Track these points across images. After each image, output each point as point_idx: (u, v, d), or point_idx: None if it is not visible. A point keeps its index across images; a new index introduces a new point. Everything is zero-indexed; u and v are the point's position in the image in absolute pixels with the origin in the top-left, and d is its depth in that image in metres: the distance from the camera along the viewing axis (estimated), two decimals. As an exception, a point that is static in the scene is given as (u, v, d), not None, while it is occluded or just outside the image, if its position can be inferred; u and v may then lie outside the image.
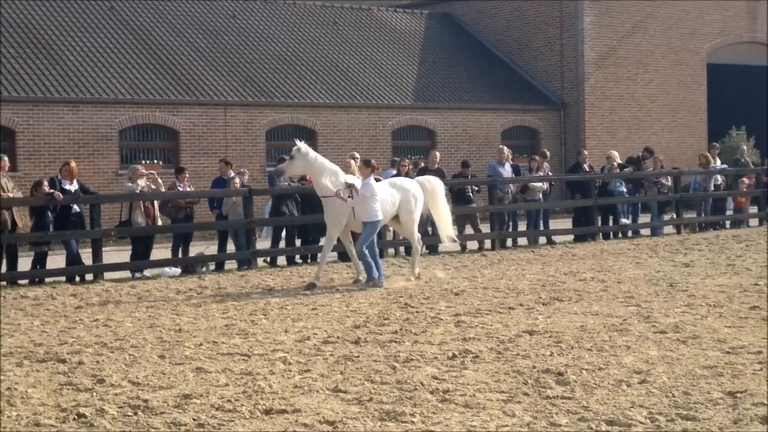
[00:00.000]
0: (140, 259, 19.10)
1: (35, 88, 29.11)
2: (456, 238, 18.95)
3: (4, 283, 17.44)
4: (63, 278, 18.05)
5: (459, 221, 23.11)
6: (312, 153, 16.80)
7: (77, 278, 18.12)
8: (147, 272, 18.97)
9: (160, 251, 20.40)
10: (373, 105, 35.55)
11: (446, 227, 17.90)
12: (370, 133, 35.29)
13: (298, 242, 21.16)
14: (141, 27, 33.93)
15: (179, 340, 11.74)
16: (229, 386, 9.18)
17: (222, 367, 10.01)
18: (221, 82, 32.94)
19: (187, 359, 10.52)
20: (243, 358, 10.54)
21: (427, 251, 21.43)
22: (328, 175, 16.52)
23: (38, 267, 18.22)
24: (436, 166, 23.23)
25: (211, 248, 20.86)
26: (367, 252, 16.25)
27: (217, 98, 32.17)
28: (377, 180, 17.67)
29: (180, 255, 19.98)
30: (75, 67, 30.60)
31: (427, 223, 19.85)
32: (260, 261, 20.27)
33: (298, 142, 16.80)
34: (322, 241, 21.02)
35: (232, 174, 20.95)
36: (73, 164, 18.66)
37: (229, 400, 8.57)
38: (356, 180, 16.64)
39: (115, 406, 8.48)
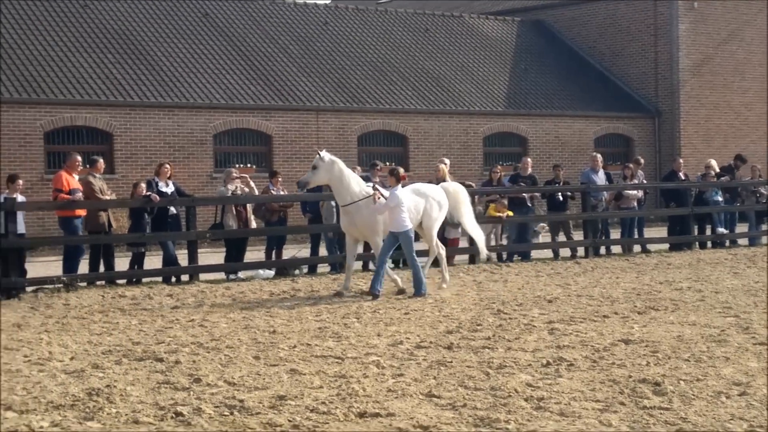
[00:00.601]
0: (234, 261, 19.33)
1: (132, 93, 29.63)
2: (488, 250, 18.64)
3: (102, 282, 17.78)
4: (159, 278, 18.32)
5: (553, 228, 22.98)
6: (335, 161, 16.25)
7: (173, 279, 18.39)
8: (241, 274, 19.17)
9: (254, 253, 20.60)
10: (464, 111, 35.50)
11: (479, 237, 17.53)
12: (461, 140, 35.23)
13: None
14: (235, 34, 34.35)
15: (273, 341, 11.83)
16: (323, 388, 9.22)
17: (316, 370, 10.06)
18: (314, 87, 33.19)
19: (281, 361, 10.59)
20: (336, 360, 10.58)
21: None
22: (353, 183, 16.19)
23: (136, 267, 18.53)
24: (529, 172, 23.09)
25: (304, 251, 20.99)
26: (413, 262, 16.02)
27: (310, 104, 32.41)
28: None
29: (273, 257, 20.15)
30: (171, 72, 31.09)
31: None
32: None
33: (320, 152, 16.39)
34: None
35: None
36: (167, 165, 18.95)
37: (323, 402, 8.61)
38: (383, 189, 16.38)
39: (212, 405, 8.57)
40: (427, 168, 32.21)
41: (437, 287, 16.73)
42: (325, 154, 16.26)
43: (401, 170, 16.75)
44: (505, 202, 21.84)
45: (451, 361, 10.35)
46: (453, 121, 35.20)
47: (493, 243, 22.34)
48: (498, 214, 21.56)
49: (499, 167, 23.52)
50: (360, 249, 17.21)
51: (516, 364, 10.19)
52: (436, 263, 17.48)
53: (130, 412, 8.38)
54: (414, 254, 16.12)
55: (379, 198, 15.90)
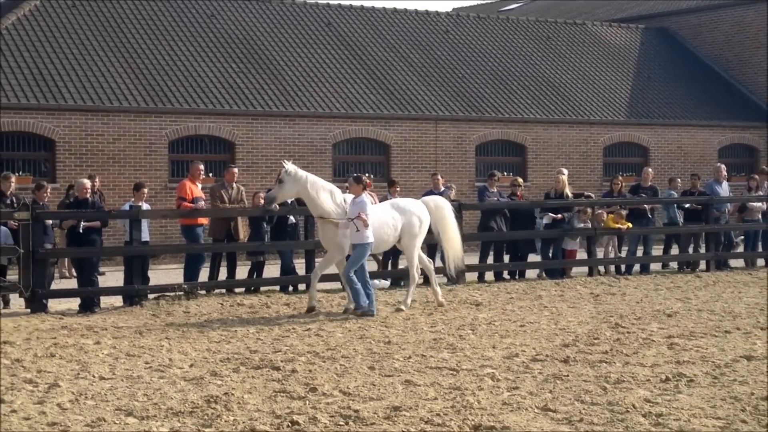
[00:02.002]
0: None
1: (254, 102, 30.08)
2: (463, 266, 17.47)
3: (221, 290, 18.06)
4: (277, 287, 18.53)
5: (684, 240, 22.73)
6: (302, 173, 15.45)
7: (291, 288, 18.57)
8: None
9: (370, 264, 20.65)
10: (584, 121, 35.11)
11: (455, 253, 16.65)
12: (581, 149, 34.85)
13: (506, 258, 21.06)
14: (357, 42, 34.61)
15: (388, 352, 11.87)
16: (437, 400, 9.21)
17: (431, 381, 10.06)
18: (433, 96, 33.22)
19: (396, 371, 10.62)
20: (451, 372, 10.57)
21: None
22: (325, 195, 15.45)
23: (255, 276, 18.78)
24: (649, 183, 22.72)
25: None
26: (354, 277, 15.13)
27: (429, 113, 32.44)
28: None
29: (390, 267, 20.19)
30: (293, 81, 31.47)
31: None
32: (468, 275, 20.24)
33: (285, 164, 15.58)
34: (530, 257, 20.96)
35: (443, 188, 21.05)
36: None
37: (438, 414, 8.60)
38: (368, 197, 15.68)
39: (327, 415, 8.64)
40: (545, 178, 31.96)
41: (395, 308, 15.84)
42: (290, 167, 15.46)
43: (365, 178, 16.03)
44: (624, 213, 21.54)
45: (568, 375, 10.25)
46: (573, 131, 34.84)
47: (611, 255, 22.05)
48: (617, 225, 21.26)
49: (620, 177, 23.20)
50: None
51: (634, 379, 10.04)
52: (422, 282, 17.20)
53: (247, 420, 8.49)
54: (361, 269, 15.18)
55: (342, 227, 15.12)
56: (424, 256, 16.82)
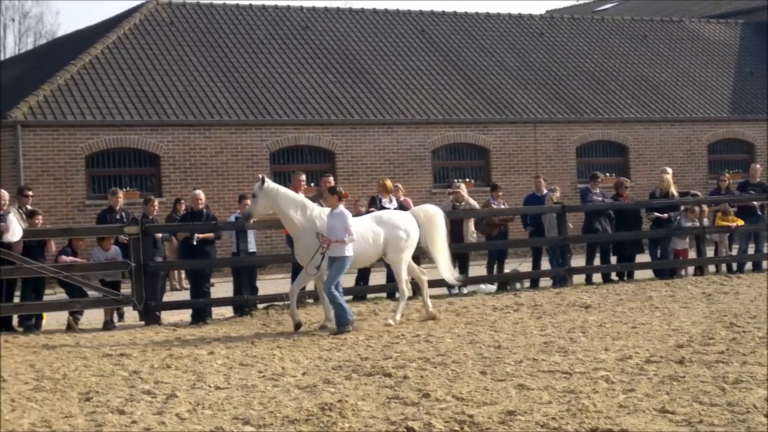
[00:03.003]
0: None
1: (353, 112, 30.24)
2: (456, 278, 16.63)
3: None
4: (384, 294, 18.57)
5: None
6: (273, 187, 14.98)
7: (397, 294, 18.57)
8: (464, 289, 19.23)
9: (475, 268, 20.62)
10: (686, 119, 34.56)
11: (445, 264, 15.83)
12: (684, 148, 34.31)
13: (613, 259, 20.81)
14: (451, 48, 34.58)
15: (499, 356, 11.81)
16: (552, 404, 9.13)
17: (544, 385, 9.98)
18: (530, 99, 33.03)
19: (508, 376, 10.56)
20: (564, 375, 10.47)
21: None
22: (296, 209, 14.86)
23: (361, 283, 18.85)
24: (758, 179, 22.26)
25: (526, 265, 20.89)
26: (337, 293, 14.45)
27: (527, 116, 32.26)
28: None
29: (495, 272, 20.12)
30: (390, 89, 31.57)
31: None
32: (575, 278, 20.08)
33: (260, 180, 15.11)
34: (638, 258, 20.69)
35: (546, 191, 20.90)
36: (387, 182, 19.18)
37: (553, 418, 8.52)
38: (344, 212, 14.73)
39: (442, 420, 8.61)
40: (648, 178, 31.51)
41: (384, 322, 15.15)
42: (270, 184, 15.01)
43: (341, 189, 15.15)
44: (733, 211, 21.13)
45: (684, 376, 10.07)
46: (675, 129, 34.33)
47: (723, 253, 21.65)
48: (725, 223, 20.86)
49: (726, 175, 22.77)
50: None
51: (753, 378, 9.82)
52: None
53: (363, 426, 8.52)
54: (335, 286, 14.45)
55: (323, 241, 14.45)
56: (417, 268, 15.92)
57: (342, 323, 14.36)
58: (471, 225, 19.65)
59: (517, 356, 11.73)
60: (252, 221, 15.58)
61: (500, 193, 20.88)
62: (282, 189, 15.08)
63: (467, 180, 30.12)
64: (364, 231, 14.95)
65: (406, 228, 15.29)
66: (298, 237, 14.94)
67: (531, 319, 15.18)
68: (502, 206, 20.80)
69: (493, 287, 19.54)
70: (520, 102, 32.78)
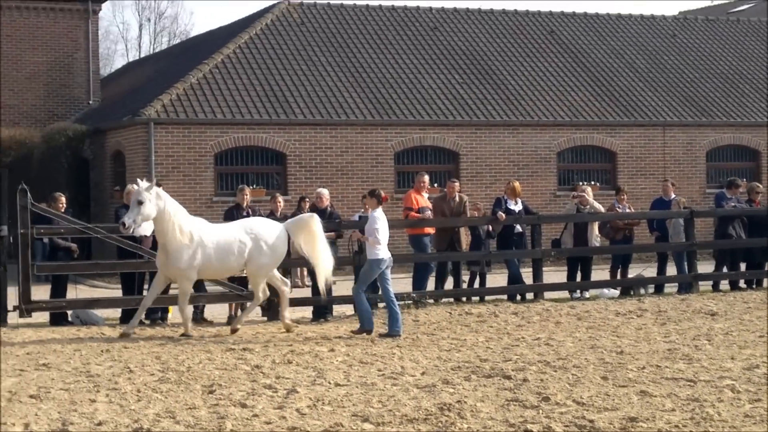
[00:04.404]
0: (578, 280, 19.21)
1: (478, 112, 30.16)
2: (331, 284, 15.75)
3: (449, 299, 18.16)
4: (504, 296, 18.48)
5: None
6: (159, 195, 14.06)
7: (518, 297, 18.50)
8: (586, 293, 19.02)
9: (598, 272, 20.35)
10: (824, 123, 33.54)
11: (326, 271, 14.96)
12: (820, 153, 33.29)
13: (743, 266, 20.31)
14: (580, 50, 34.23)
15: (621, 362, 11.64)
16: (675, 411, 8.97)
17: (667, 392, 9.81)
18: (660, 102, 32.47)
19: (630, 382, 10.41)
20: (688, 383, 10.28)
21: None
22: (174, 222, 14.19)
23: (477, 285, 18.77)
24: None
25: (650, 270, 20.53)
26: (362, 297, 14.53)
27: (656, 119, 31.72)
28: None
29: (618, 276, 19.84)
30: (516, 90, 31.41)
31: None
32: (702, 285, 19.67)
33: (139, 182, 14.17)
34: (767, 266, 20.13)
35: (673, 195, 20.51)
36: (516, 184, 19.07)
37: (676, 426, 8.38)
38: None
39: (561, 424, 8.54)
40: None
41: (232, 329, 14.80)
42: (150, 188, 14.00)
43: (382, 193, 14.92)
44: None
45: (814, 388, 9.78)
46: (811, 134, 33.36)
47: None
48: None
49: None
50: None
51: None
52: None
53: (481, 428, 8.49)
54: (361, 291, 14.60)
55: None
56: (279, 278, 15.22)
57: (363, 325, 14.46)
58: (595, 229, 19.41)
59: (640, 362, 11.56)
60: (132, 231, 14.32)
61: (625, 197, 20.55)
62: (167, 197, 14.21)
63: (592, 183, 29.75)
64: (231, 240, 14.48)
65: (267, 240, 14.64)
66: (168, 249, 14.27)
67: (655, 325, 14.93)
68: (628, 210, 20.49)
69: (617, 292, 19.27)
70: (650, 104, 32.25)
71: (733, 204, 20.14)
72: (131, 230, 14.12)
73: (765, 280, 20.12)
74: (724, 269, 20.12)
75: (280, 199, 18.72)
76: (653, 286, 19.74)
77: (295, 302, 16.41)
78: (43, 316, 16.14)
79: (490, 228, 18.65)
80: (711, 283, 19.79)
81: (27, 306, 15.39)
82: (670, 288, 19.82)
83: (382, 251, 14.53)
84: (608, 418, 8.70)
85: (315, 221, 14.95)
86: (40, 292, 16.35)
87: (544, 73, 32.52)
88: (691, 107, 32.56)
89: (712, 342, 13.05)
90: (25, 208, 15.44)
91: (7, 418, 9.08)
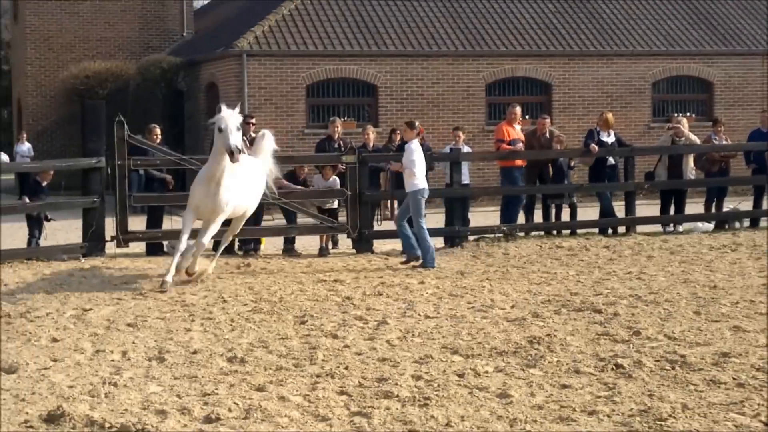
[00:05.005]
0: (671, 214, 18.98)
1: (572, 42, 29.72)
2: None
3: (540, 232, 18.10)
4: (596, 230, 18.33)
5: None
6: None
7: (610, 230, 18.34)
8: (680, 227, 18.78)
9: (693, 206, 20.07)
10: None
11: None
12: None
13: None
14: (677, -23, 33.41)
15: (714, 297, 11.53)
16: (768, 348, 8.88)
17: (761, 327, 9.70)
18: (760, 30, 31.60)
19: (723, 317, 10.32)
20: (783, 319, 10.15)
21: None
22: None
23: (568, 219, 18.65)
24: None
25: (746, 204, 20.18)
26: (405, 224, 14.68)
27: (755, 47, 30.91)
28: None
29: (713, 210, 19.53)
30: (611, 20, 30.83)
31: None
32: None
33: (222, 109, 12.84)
34: None
35: (772, 127, 20.06)
36: (609, 115, 18.81)
37: (769, 362, 8.29)
38: (411, 147, 14.56)
39: (652, 359, 8.51)
40: None
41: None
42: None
43: (418, 123, 15.20)
44: None
45: None
46: None
47: None
48: None
49: None
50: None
51: None
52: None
53: (571, 361, 8.50)
54: (404, 220, 14.73)
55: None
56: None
57: (411, 255, 14.59)
58: (690, 161, 19.10)
59: (734, 297, 11.43)
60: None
61: (722, 129, 20.14)
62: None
63: (688, 114, 29.16)
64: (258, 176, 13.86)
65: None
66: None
67: (749, 259, 14.70)
68: (724, 142, 20.08)
69: (711, 226, 18.99)
70: (749, 32, 31.41)
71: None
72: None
73: None
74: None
75: (371, 130, 18.73)
76: (748, 219, 19.40)
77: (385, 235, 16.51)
78: (139, 247, 16.47)
79: (571, 162, 18.49)
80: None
81: (124, 236, 15.72)
82: (767, 222, 19.46)
83: (421, 181, 14.62)
84: (700, 353, 8.64)
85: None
86: (136, 223, 16.66)
87: (640, 1, 31.85)
88: (792, 36, 31.66)
89: (810, 277, 12.83)
90: (122, 140, 15.70)
91: (106, 346, 9.34)
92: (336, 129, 17.61)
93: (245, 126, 17.26)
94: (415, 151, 14.67)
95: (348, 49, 27.85)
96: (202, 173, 13.27)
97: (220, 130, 12.56)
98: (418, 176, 14.61)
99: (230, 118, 12.59)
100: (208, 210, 13.03)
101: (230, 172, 12.81)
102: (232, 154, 12.34)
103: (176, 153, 17.75)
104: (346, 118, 26.78)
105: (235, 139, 12.45)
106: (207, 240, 13.33)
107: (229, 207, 13.10)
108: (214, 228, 13.23)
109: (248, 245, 16.47)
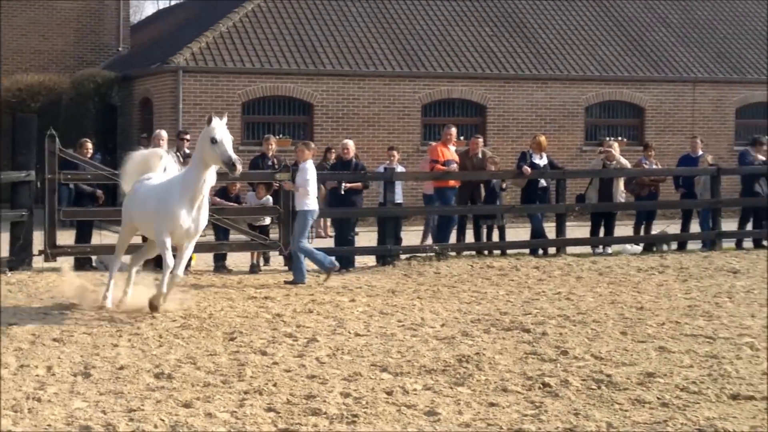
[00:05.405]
0: (601, 236, 19.19)
1: (507, 66, 29.98)
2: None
3: (471, 252, 18.19)
4: (526, 250, 18.48)
5: None
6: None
7: (540, 251, 18.49)
8: (608, 248, 19.00)
9: (621, 228, 20.32)
10: None
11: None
12: None
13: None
14: (612, 3, 33.84)
15: (641, 317, 11.67)
16: (693, 368, 9.01)
17: (686, 348, 9.84)
18: (691, 57, 32.15)
19: (649, 337, 10.45)
20: (707, 340, 10.31)
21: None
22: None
23: (499, 239, 18.76)
24: None
25: (674, 227, 20.49)
26: (308, 245, 15.03)
27: (686, 74, 31.43)
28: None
29: (642, 232, 19.80)
30: (546, 44, 31.16)
31: None
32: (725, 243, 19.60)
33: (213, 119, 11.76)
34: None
35: (700, 152, 20.39)
36: (542, 138, 19.00)
37: (693, 382, 8.41)
38: (306, 167, 14.75)
39: (579, 378, 8.59)
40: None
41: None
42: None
43: (313, 145, 15.58)
44: None
45: (833, 348, 9.78)
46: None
47: None
48: None
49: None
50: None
51: None
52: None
53: (499, 380, 8.56)
54: (304, 242, 14.84)
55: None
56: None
57: (326, 267, 14.63)
58: (621, 184, 19.35)
59: (660, 318, 11.58)
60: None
61: (652, 153, 20.45)
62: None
63: (620, 138, 29.53)
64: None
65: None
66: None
67: (676, 281, 14.93)
68: (654, 166, 20.39)
69: (639, 248, 19.24)
70: (680, 60, 31.95)
71: (759, 163, 19.97)
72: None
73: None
74: (748, 227, 20.03)
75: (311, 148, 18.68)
76: (676, 242, 19.69)
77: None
78: (67, 261, 16.28)
79: (503, 183, 18.65)
80: (734, 240, 19.72)
81: (52, 250, 15.54)
82: (694, 245, 19.77)
83: (312, 202, 14.82)
84: (626, 373, 8.74)
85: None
86: (65, 237, 16.47)
87: (575, 27, 32.24)
88: (722, 63, 32.24)
89: (733, 299, 13.05)
90: (53, 154, 15.53)
91: (31, 361, 9.21)
92: (270, 146, 17.58)
93: (179, 142, 17.25)
94: (309, 171, 14.84)
95: (285, 68, 27.83)
96: (176, 190, 11.74)
97: (213, 141, 11.45)
98: (311, 196, 14.81)
99: (224, 129, 11.62)
100: (188, 234, 11.78)
101: (207, 188, 11.86)
102: (233, 167, 11.40)
103: (107, 168, 17.59)
104: (281, 136, 26.74)
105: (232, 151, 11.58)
106: (182, 270, 12.04)
107: (202, 228, 12.08)
108: (188, 254, 12.10)
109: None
